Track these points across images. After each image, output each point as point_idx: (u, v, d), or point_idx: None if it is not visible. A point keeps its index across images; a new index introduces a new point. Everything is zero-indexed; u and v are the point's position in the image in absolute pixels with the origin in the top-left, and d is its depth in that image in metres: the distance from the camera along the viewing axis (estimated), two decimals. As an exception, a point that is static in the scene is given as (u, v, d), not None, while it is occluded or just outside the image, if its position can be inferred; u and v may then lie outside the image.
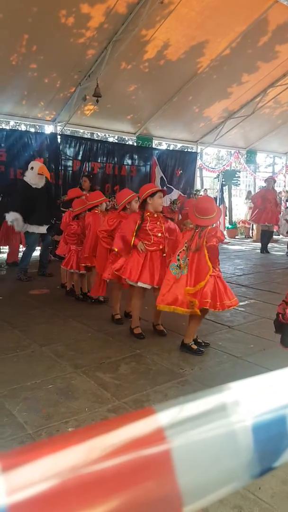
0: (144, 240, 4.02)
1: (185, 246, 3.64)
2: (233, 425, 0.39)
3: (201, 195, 11.20)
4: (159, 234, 4.03)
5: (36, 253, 7.56)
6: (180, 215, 10.15)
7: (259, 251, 10.43)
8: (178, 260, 3.66)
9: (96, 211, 5.27)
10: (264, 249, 10.39)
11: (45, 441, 0.35)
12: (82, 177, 8.54)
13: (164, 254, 4.06)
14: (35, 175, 6.62)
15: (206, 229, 3.62)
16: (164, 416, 0.38)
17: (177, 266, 3.65)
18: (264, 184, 11.64)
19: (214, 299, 3.51)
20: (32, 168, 6.67)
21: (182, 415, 0.38)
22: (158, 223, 4.05)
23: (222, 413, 0.39)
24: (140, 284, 3.96)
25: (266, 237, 10.55)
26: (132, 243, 4.02)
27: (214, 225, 3.90)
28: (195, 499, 0.36)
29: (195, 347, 3.75)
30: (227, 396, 0.41)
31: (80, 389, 3.01)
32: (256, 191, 12.88)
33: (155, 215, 4.07)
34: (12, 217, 6.57)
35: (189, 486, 0.35)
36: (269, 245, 11.69)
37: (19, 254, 8.05)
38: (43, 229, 6.82)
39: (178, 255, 3.68)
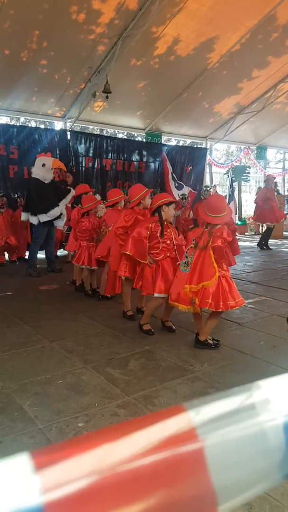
0: (151, 249, 4.03)
1: (193, 243, 3.64)
2: (263, 424, 0.39)
3: (210, 191, 11.16)
4: (168, 242, 4.03)
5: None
6: (191, 212, 10.13)
7: (259, 247, 10.41)
8: (186, 257, 3.66)
9: (119, 208, 5.21)
10: (264, 245, 10.34)
11: (78, 439, 0.35)
12: (66, 173, 8.60)
13: (178, 263, 4.04)
14: (47, 171, 6.67)
15: (215, 228, 3.60)
16: (195, 415, 0.37)
17: (185, 263, 3.66)
18: (262, 185, 11.75)
19: (217, 299, 3.49)
20: (44, 165, 6.70)
21: (212, 414, 0.38)
22: (168, 230, 4.07)
23: (251, 412, 0.39)
24: (156, 295, 3.98)
25: (269, 234, 10.54)
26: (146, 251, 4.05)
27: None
28: (230, 498, 0.35)
29: (211, 342, 3.75)
30: (256, 394, 0.41)
31: (90, 384, 3.03)
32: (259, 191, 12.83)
33: (165, 223, 4.08)
34: (28, 219, 6.83)
35: (223, 485, 0.35)
36: (279, 241, 11.68)
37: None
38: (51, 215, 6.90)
39: (186, 252, 3.69)
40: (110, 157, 10.40)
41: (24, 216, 7.10)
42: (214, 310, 3.55)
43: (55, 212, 6.81)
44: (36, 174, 6.79)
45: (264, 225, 11.17)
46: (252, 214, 14.49)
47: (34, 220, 6.92)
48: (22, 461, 0.31)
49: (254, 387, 0.42)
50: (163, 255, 4.03)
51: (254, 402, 0.40)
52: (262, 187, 11.56)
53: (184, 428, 0.36)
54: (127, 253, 4.14)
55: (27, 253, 8.07)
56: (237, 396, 0.40)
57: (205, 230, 3.62)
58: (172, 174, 11.29)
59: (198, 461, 0.35)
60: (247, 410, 0.39)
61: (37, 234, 7.03)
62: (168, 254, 4.05)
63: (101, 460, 0.32)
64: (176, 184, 11.02)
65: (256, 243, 10.65)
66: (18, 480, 0.29)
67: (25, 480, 0.30)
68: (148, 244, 4.03)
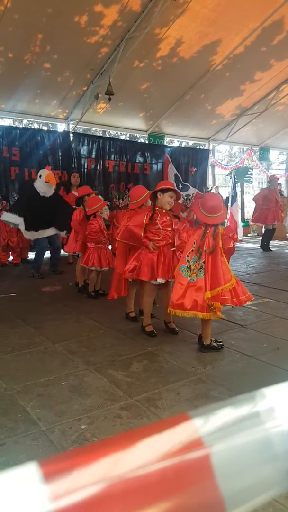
0: (154, 236, 4.01)
1: (193, 246, 3.54)
2: (269, 431, 0.38)
3: (212, 192, 11.16)
4: (168, 229, 4.02)
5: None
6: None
7: (262, 249, 10.37)
8: (188, 261, 3.54)
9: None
10: (265, 247, 10.29)
11: (85, 448, 0.35)
12: (72, 173, 8.54)
13: (173, 249, 4.02)
14: (43, 183, 6.62)
15: (218, 229, 3.56)
16: (200, 423, 0.37)
17: (188, 267, 3.53)
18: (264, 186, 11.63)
19: (233, 296, 3.50)
20: (40, 176, 6.69)
21: (217, 421, 0.38)
22: (167, 217, 4.05)
23: (256, 420, 0.39)
24: (159, 280, 3.96)
25: (269, 235, 10.47)
26: (142, 239, 4.03)
27: (226, 224, 3.87)
28: (238, 505, 0.35)
29: (215, 344, 3.74)
30: (261, 402, 0.41)
31: (93, 386, 3.02)
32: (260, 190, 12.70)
33: (164, 211, 4.06)
34: (11, 220, 6.67)
35: (230, 492, 0.35)
36: (282, 243, 11.65)
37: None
38: (49, 232, 6.85)
39: (188, 256, 3.56)
40: (112, 159, 10.41)
41: (9, 217, 6.80)
42: (229, 305, 3.56)
43: (24, 234, 6.73)
44: (35, 182, 6.81)
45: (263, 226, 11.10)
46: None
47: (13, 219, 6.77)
48: (30, 470, 0.31)
49: (259, 395, 0.41)
50: (165, 242, 4.02)
51: (259, 410, 0.40)
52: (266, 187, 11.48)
53: (190, 436, 0.36)
54: (119, 239, 4.26)
55: (29, 255, 8.10)
56: (242, 404, 0.40)
57: (207, 232, 3.53)
58: (176, 175, 11.28)
59: (205, 468, 0.35)
60: (252, 418, 0.39)
61: (41, 244, 7.03)
62: (170, 241, 4.03)
63: (109, 469, 0.32)
64: (181, 186, 11.00)
65: (259, 245, 10.63)
66: (26, 489, 0.29)
67: (34, 489, 0.30)
68: (143, 234, 4.02)
